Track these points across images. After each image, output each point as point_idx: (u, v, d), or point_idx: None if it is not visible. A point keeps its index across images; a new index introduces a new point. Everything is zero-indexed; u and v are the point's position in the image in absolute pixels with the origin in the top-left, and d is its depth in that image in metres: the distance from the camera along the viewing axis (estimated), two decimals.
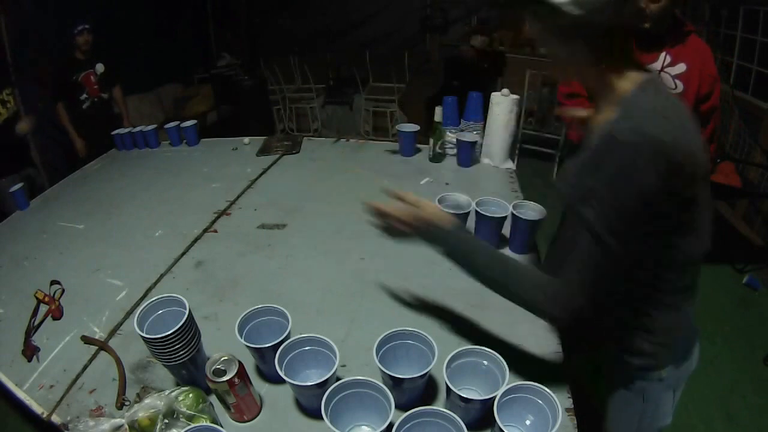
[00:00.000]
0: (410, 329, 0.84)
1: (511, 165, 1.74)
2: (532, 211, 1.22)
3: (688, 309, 0.84)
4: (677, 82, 1.45)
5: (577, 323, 0.71)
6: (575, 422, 0.78)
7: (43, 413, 0.87)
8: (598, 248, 0.66)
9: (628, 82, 0.68)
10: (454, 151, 1.77)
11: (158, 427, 0.71)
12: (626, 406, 0.95)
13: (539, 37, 0.72)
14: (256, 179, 1.76)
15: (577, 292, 0.69)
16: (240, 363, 0.77)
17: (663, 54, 1.44)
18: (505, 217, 1.19)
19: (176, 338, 0.78)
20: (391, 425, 0.68)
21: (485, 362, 0.81)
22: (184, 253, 1.33)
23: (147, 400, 0.74)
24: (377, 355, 0.79)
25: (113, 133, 2.24)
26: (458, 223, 0.84)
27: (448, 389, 0.75)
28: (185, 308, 0.81)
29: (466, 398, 0.72)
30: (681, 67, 1.43)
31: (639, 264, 0.73)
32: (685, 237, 0.72)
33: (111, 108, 3.06)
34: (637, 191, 0.62)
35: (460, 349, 0.80)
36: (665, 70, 1.46)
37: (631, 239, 0.66)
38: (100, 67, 2.89)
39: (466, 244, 0.82)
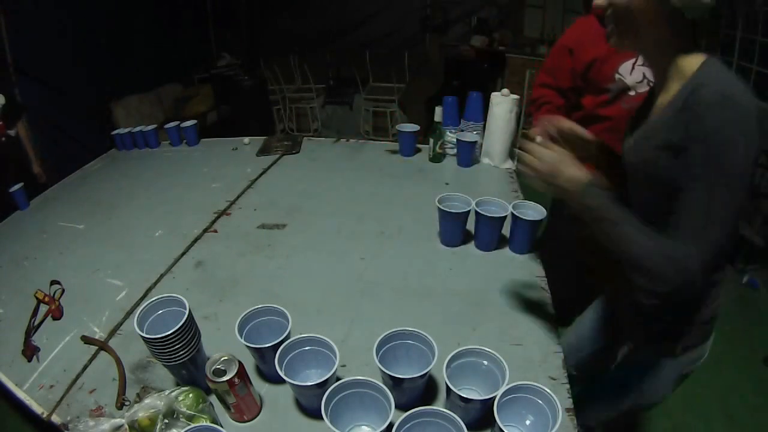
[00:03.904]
0: (410, 329, 0.84)
1: (511, 165, 1.74)
2: (532, 211, 1.22)
3: (717, 292, 0.84)
4: None
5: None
6: (575, 422, 0.78)
7: (43, 413, 0.87)
8: (715, 201, 0.65)
9: (694, 60, 0.70)
10: (454, 151, 1.77)
11: (158, 427, 0.71)
12: (633, 376, 0.97)
13: (620, 8, 0.71)
14: (256, 179, 1.76)
15: (707, 249, 0.67)
16: (240, 363, 0.77)
17: None
18: (505, 217, 1.19)
19: (176, 338, 0.78)
20: (391, 425, 0.68)
21: (485, 362, 0.81)
22: (184, 253, 1.33)
23: (147, 400, 0.74)
24: (377, 355, 0.79)
25: (113, 133, 2.24)
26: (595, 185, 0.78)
27: (448, 389, 0.75)
28: (185, 308, 0.81)
29: (466, 398, 0.72)
30: None
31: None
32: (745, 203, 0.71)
33: (20, 147, 2.35)
34: (736, 145, 0.63)
35: (460, 349, 0.80)
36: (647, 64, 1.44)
37: (740, 190, 0.65)
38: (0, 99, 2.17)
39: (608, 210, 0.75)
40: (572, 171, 0.78)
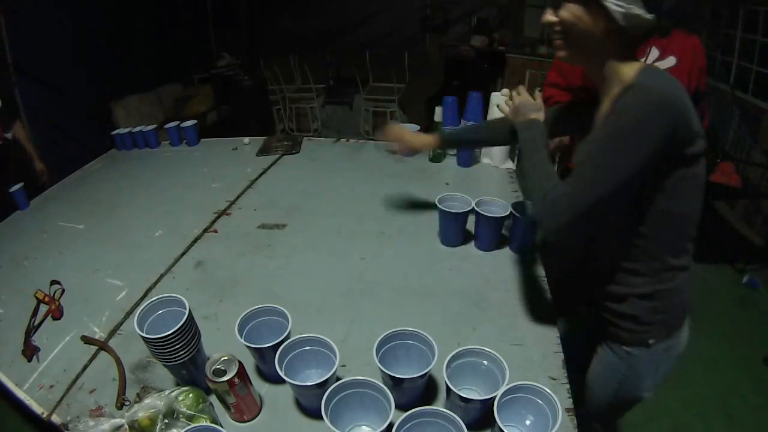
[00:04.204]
0: (410, 329, 0.84)
1: (511, 165, 1.74)
2: (532, 211, 1.22)
3: (682, 280, 0.87)
4: None
5: (559, 240, 0.79)
6: (575, 422, 0.78)
7: (43, 413, 0.87)
8: (604, 161, 0.72)
9: (632, 69, 0.75)
10: (454, 151, 1.77)
11: (158, 427, 0.71)
12: (610, 368, 0.98)
13: (570, 25, 0.76)
14: (256, 179, 1.76)
15: (568, 204, 0.75)
16: (240, 363, 0.77)
17: (650, 48, 1.42)
18: (505, 217, 1.19)
19: (176, 338, 0.78)
20: (391, 425, 0.68)
21: (485, 362, 0.81)
22: (184, 253, 1.33)
23: (147, 400, 0.74)
24: (377, 355, 0.79)
25: (113, 133, 2.24)
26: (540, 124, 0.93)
27: (448, 389, 0.75)
28: (185, 308, 0.81)
29: (466, 398, 0.72)
30: (671, 61, 1.40)
31: (628, 205, 0.79)
32: (677, 191, 0.77)
33: (18, 150, 2.28)
34: (641, 128, 0.69)
35: (460, 349, 0.80)
36: (654, 64, 1.44)
37: (625, 166, 0.71)
38: None
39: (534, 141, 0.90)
40: (533, 114, 0.94)
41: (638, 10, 0.70)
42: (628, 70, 0.75)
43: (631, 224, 0.81)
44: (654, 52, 1.42)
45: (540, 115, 0.94)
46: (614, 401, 1.01)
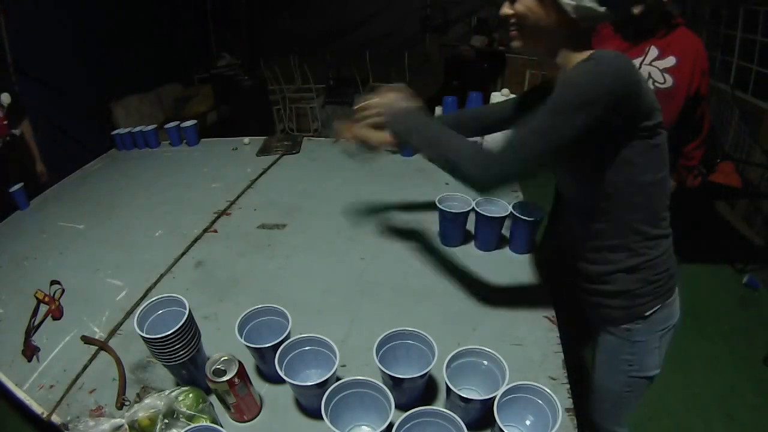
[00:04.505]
0: (410, 329, 0.84)
1: None
2: (532, 211, 1.22)
3: (666, 247, 0.89)
4: (666, 75, 1.41)
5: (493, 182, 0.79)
6: (575, 422, 0.78)
7: (43, 413, 0.87)
8: (543, 123, 0.73)
9: (584, 56, 0.77)
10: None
11: (158, 427, 0.71)
12: (614, 354, 0.98)
13: (524, 17, 0.78)
14: (256, 179, 1.76)
15: (499, 166, 0.76)
16: (240, 363, 0.77)
17: (649, 47, 1.41)
18: (505, 217, 1.19)
19: (176, 338, 0.78)
20: (391, 425, 0.68)
21: (485, 362, 0.81)
22: (184, 253, 1.33)
23: (147, 400, 0.74)
24: (377, 355, 0.79)
25: (113, 133, 2.24)
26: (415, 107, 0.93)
27: (448, 389, 0.75)
28: (185, 308, 0.81)
29: (466, 398, 0.72)
30: (670, 60, 1.40)
31: (596, 183, 0.81)
32: (643, 162, 0.78)
33: (23, 148, 2.36)
34: (581, 93, 0.70)
35: (460, 349, 0.80)
36: (653, 63, 1.43)
37: (561, 128, 0.72)
38: (5, 98, 2.16)
39: (418, 120, 0.90)
40: (404, 103, 0.93)
41: (589, 3, 0.73)
42: (580, 57, 0.77)
43: (603, 202, 0.83)
44: (653, 51, 1.42)
45: (411, 101, 0.93)
46: (627, 389, 1.01)
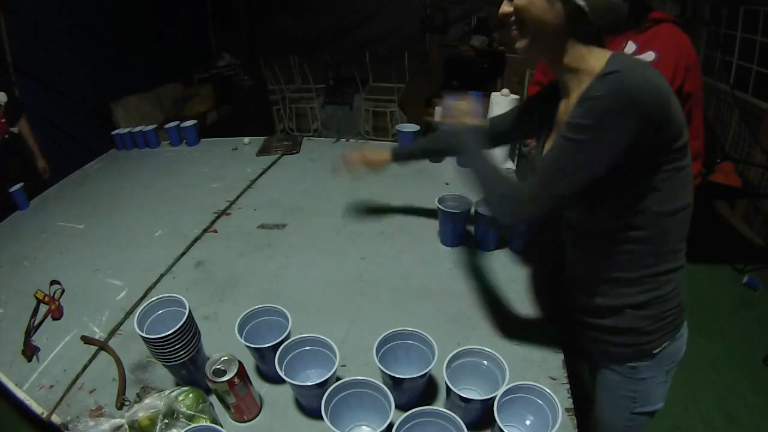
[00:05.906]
0: (410, 329, 0.84)
1: (511, 165, 1.74)
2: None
3: (677, 281, 0.81)
4: None
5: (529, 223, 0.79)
6: (575, 422, 0.78)
7: (43, 413, 0.87)
8: (562, 152, 0.68)
9: (600, 58, 0.70)
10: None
11: (158, 427, 0.71)
12: (616, 391, 0.91)
13: (524, 11, 0.71)
14: (256, 179, 1.76)
15: (546, 194, 0.71)
16: (240, 363, 0.77)
17: (626, 41, 1.38)
18: None
19: (176, 338, 0.78)
20: (391, 425, 0.68)
21: (485, 362, 0.81)
22: (184, 253, 1.33)
23: (147, 400, 0.74)
24: (377, 355, 0.79)
25: (113, 133, 2.24)
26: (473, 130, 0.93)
27: (448, 389, 0.75)
28: (185, 308, 0.81)
29: (466, 398, 0.72)
30: (649, 56, 1.34)
31: (618, 208, 0.74)
32: (670, 187, 0.71)
33: (24, 144, 2.40)
34: (610, 121, 0.64)
35: (460, 349, 0.80)
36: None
37: (591, 162, 0.67)
38: (2, 97, 2.21)
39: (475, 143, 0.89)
40: (467, 120, 0.94)
41: None
42: (596, 59, 0.70)
43: (622, 230, 0.75)
44: (631, 46, 1.37)
45: (471, 122, 0.93)
46: (632, 425, 0.94)
